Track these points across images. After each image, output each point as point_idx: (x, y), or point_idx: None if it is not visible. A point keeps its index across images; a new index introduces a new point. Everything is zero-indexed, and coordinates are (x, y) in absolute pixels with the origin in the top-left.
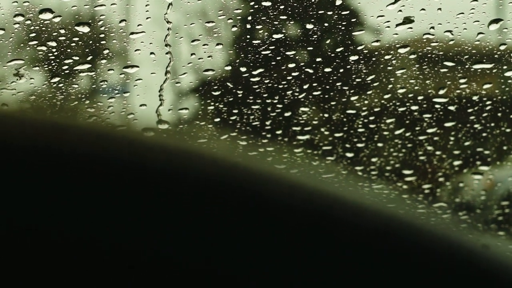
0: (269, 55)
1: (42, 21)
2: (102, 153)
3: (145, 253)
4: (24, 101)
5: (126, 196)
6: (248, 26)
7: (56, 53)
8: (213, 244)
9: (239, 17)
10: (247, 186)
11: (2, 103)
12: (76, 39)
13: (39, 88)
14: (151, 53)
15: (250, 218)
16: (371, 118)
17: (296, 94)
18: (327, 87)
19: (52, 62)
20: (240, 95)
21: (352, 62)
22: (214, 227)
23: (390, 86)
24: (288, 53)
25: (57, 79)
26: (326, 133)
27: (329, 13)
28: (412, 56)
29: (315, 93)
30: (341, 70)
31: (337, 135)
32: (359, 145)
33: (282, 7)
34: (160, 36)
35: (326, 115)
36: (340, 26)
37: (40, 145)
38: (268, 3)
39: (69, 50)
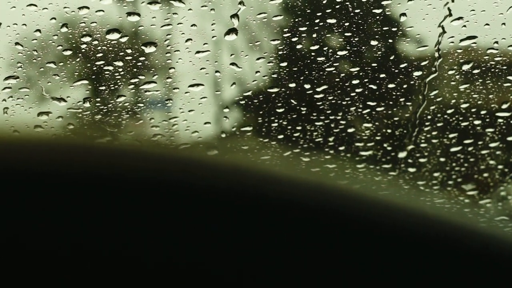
0: (333, 71)
1: (109, 41)
2: (167, 175)
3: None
4: (90, 121)
5: (190, 216)
6: (313, 43)
7: (122, 73)
8: (282, 264)
9: (304, 35)
10: (310, 202)
11: (68, 123)
12: (142, 58)
13: (105, 108)
14: (216, 71)
15: (313, 234)
16: (434, 133)
17: (360, 110)
18: (391, 102)
19: (118, 81)
20: (303, 112)
21: (416, 78)
22: (277, 245)
23: (453, 101)
24: (352, 69)
25: (122, 98)
26: (389, 148)
27: (393, 29)
28: (475, 71)
29: (378, 109)
30: (405, 86)
31: (401, 151)
32: (422, 160)
33: (346, 24)
34: (222, 55)
35: (389, 130)
36: (404, 42)
37: (104, 163)
38: (333, 20)
39: (135, 70)
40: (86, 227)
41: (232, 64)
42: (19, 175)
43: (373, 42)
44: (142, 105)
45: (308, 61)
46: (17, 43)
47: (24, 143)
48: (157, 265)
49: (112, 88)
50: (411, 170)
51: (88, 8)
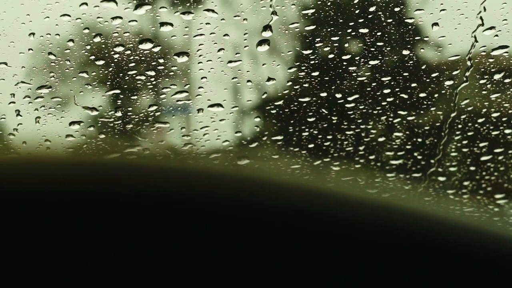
0: (365, 81)
1: (141, 51)
2: (198, 186)
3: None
4: (121, 130)
5: (222, 229)
6: (345, 52)
7: (154, 82)
8: (313, 275)
9: (336, 45)
10: (339, 210)
11: (99, 132)
12: (175, 68)
13: (136, 117)
14: (248, 81)
15: (344, 242)
16: (464, 142)
17: (391, 119)
18: (421, 112)
19: (150, 91)
20: (334, 121)
21: (447, 87)
22: (311, 256)
23: (484, 110)
24: (383, 79)
25: (154, 107)
26: (419, 157)
27: (425, 39)
28: (507, 80)
29: (409, 118)
30: (436, 95)
31: (431, 160)
32: (452, 169)
33: (379, 33)
34: (254, 65)
35: (419, 139)
36: (435, 52)
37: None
38: (365, 30)
39: (167, 79)
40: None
41: (269, 79)
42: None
43: (405, 52)
44: (173, 114)
45: (340, 70)
46: (50, 53)
47: (53, 153)
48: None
49: (144, 97)
50: (441, 179)
51: (121, 18)
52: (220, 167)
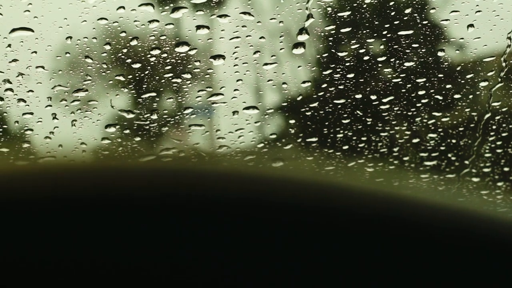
0: (400, 82)
1: (178, 54)
2: (234, 187)
3: None
4: (156, 133)
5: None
6: (380, 54)
7: (190, 85)
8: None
9: (371, 46)
10: (373, 211)
11: (135, 134)
12: (211, 70)
13: (172, 120)
14: (283, 83)
15: (379, 242)
16: (498, 143)
17: (425, 120)
18: (456, 113)
19: (186, 93)
20: (369, 123)
21: (482, 88)
22: (348, 255)
23: None
24: (418, 80)
25: (189, 110)
26: (453, 158)
27: (460, 40)
28: None
29: (444, 119)
30: (471, 96)
31: (465, 161)
32: (486, 170)
33: (414, 35)
34: (290, 67)
35: (453, 140)
36: (470, 53)
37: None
38: (401, 32)
39: (203, 82)
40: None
41: (304, 81)
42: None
43: (440, 53)
44: (208, 116)
45: (375, 72)
46: (87, 56)
47: (88, 156)
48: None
49: (180, 100)
50: (475, 179)
51: (158, 21)
52: (254, 169)
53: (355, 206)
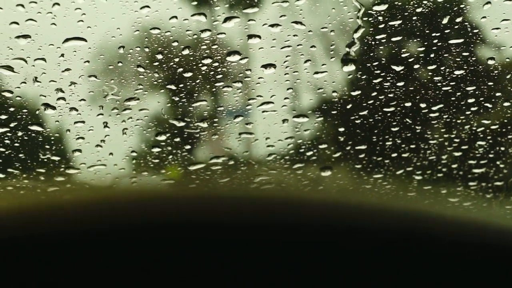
0: (449, 91)
1: (229, 63)
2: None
3: None
4: (206, 141)
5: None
6: (431, 62)
7: (240, 93)
8: None
9: (422, 55)
10: (423, 231)
11: (185, 143)
12: (261, 79)
13: (222, 128)
14: (333, 91)
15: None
16: None
17: (474, 128)
18: (505, 121)
19: (237, 102)
20: (418, 130)
21: None
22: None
23: None
24: (468, 88)
25: (240, 118)
26: (501, 166)
27: (511, 48)
28: None
29: (492, 127)
30: None
31: None
32: None
33: (465, 43)
34: (340, 76)
35: (502, 148)
36: None
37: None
38: (452, 41)
39: (253, 90)
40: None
41: (354, 90)
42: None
43: (490, 62)
44: (258, 124)
45: (425, 80)
46: (139, 65)
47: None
48: None
49: (230, 108)
50: None
51: (210, 30)
52: (302, 177)
53: (400, 226)
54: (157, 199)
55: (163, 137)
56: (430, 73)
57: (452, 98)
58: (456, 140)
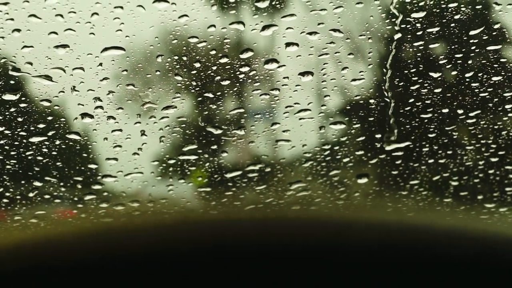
0: (487, 97)
1: (266, 71)
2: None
3: None
4: (243, 148)
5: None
6: (468, 69)
7: (278, 101)
8: None
9: (460, 61)
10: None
11: (222, 150)
12: (299, 87)
13: (259, 135)
14: (370, 98)
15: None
16: None
17: (511, 134)
18: None
19: (274, 109)
20: (455, 136)
21: None
22: None
23: None
24: (505, 94)
25: (277, 126)
26: None
27: None
28: None
29: None
30: None
31: None
32: None
33: (502, 50)
34: (378, 83)
35: None
36: None
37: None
38: (489, 47)
39: (290, 97)
40: None
41: (386, 91)
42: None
43: None
44: (295, 131)
45: (462, 87)
46: (176, 74)
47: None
48: None
49: (267, 116)
50: None
51: (248, 39)
52: (339, 183)
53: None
54: (191, 211)
55: (200, 145)
56: (467, 80)
57: (490, 104)
58: (493, 145)
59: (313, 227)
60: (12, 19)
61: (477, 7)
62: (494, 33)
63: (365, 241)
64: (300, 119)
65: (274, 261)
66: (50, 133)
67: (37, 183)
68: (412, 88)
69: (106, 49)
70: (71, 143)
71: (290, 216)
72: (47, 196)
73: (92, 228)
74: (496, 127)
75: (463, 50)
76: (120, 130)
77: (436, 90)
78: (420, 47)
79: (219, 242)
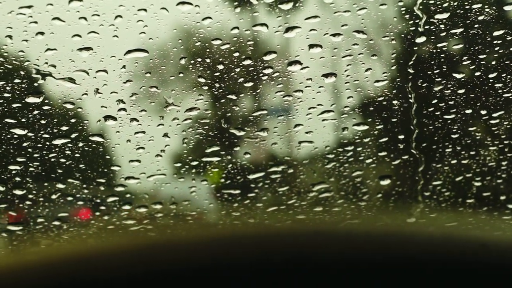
0: (510, 97)
1: (290, 73)
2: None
3: None
4: (266, 150)
5: None
6: (492, 70)
7: (301, 102)
8: None
9: (483, 62)
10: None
11: (244, 152)
12: (322, 88)
13: (282, 137)
14: (394, 99)
15: None
16: None
17: None
18: None
19: (297, 111)
20: (478, 137)
21: None
22: None
23: None
24: None
25: (299, 127)
26: None
27: None
28: None
29: None
30: None
31: None
32: None
33: None
34: (401, 84)
35: None
36: None
37: None
38: None
39: (313, 99)
40: None
41: (410, 93)
42: None
43: None
44: (318, 133)
45: (486, 87)
46: (200, 76)
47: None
48: None
49: (290, 117)
50: None
51: (271, 41)
52: (361, 185)
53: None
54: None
55: (223, 147)
56: (491, 80)
57: None
58: None
59: (334, 228)
60: (35, 22)
61: (501, 8)
62: None
63: (387, 242)
64: (323, 120)
65: (297, 262)
66: (73, 135)
67: (60, 185)
68: (435, 89)
69: (129, 51)
70: (94, 145)
71: (313, 217)
72: (70, 198)
73: (115, 230)
74: None
75: (487, 50)
76: (143, 132)
77: (459, 91)
78: (444, 48)
79: (241, 243)
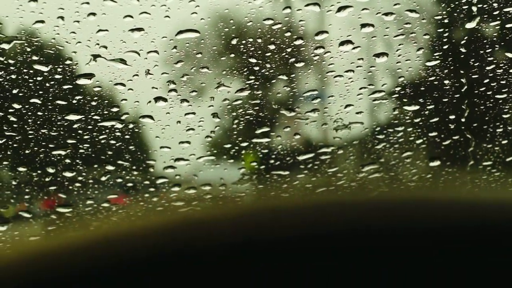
0: None
1: (341, 52)
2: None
3: None
4: (316, 130)
5: None
6: None
7: (352, 82)
8: None
9: None
10: None
11: (294, 133)
12: (373, 68)
13: (332, 117)
14: (445, 79)
15: None
16: None
17: None
18: None
19: (347, 91)
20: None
21: None
22: None
23: None
24: None
25: (350, 108)
26: None
27: None
28: None
29: None
30: None
31: None
32: None
33: None
34: (453, 65)
35: None
36: None
37: None
38: None
39: (364, 79)
40: None
41: (465, 76)
42: None
43: None
44: (368, 113)
45: None
46: (251, 56)
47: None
48: None
49: (340, 98)
50: None
51: (323, 20)
52: (412, 165)
53: None
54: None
55: (273, 127)
56: None
57: None
58: None
59: (385, 209)
60: (87, 3)
61: None
62: None
63: (439, 221)
64: (374, 100)
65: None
66: (123, 117)
67: (109, 167)
68: (487, 68)
69: (181, 31)
70: (144, 126)
71: (362, 198)
72: (119, 180)
73: (164, 212)
74: None
75: None
76: (194, 113)
77: (511, 70)
78: (497, 27)
79: (294, 226)
